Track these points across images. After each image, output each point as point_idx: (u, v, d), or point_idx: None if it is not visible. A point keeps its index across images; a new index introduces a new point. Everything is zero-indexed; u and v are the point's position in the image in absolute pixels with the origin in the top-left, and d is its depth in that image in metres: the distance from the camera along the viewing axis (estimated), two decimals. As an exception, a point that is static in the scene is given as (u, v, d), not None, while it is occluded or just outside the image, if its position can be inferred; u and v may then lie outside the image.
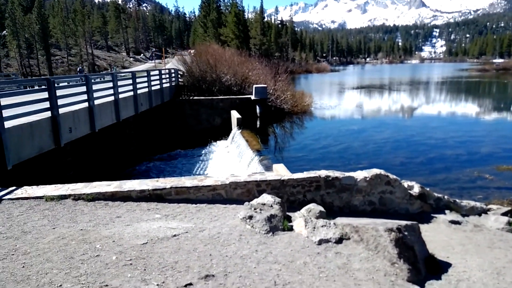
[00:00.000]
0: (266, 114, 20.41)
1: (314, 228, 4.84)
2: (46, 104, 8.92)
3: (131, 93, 14.61)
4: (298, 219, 5.09)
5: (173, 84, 21.69)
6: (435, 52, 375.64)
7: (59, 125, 9.10)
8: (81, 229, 4.62)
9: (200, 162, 15.77)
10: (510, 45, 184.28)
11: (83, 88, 10.86)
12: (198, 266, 3.90)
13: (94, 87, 11.27)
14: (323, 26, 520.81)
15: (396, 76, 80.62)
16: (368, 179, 6.44)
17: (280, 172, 9.45)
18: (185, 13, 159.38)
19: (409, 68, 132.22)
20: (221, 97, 21.05)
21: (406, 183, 6.79)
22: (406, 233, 4.47)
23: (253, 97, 20.39)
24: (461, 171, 11.51)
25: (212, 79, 22.33)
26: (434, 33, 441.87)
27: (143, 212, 5.41)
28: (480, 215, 7.14)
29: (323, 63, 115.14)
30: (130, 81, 14.67)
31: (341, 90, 45.89)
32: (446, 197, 7.03)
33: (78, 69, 45.06)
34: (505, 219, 6.55)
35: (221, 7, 70.20)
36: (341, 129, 19.37)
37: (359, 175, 6.50)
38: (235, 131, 17.54)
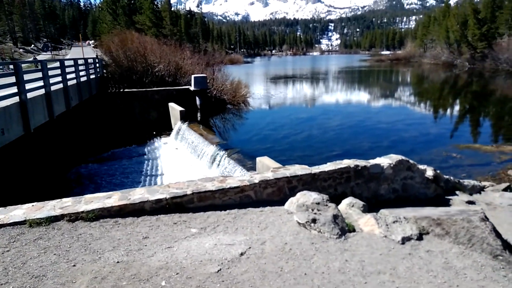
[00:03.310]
0: (206, 105, 19.24)
1: (387, 225, 4.30)
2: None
3: (61, 85, 12.36)
4: (364, 217, 4.49)
5: (98, 75, 19.14)
6: (331, 45, 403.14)
7: (-9, 126, 7.08)
8: (117, 262, 3.39)
9: (146, 162, 14.09)
10: (394, 39, 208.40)
11: (12, 79, 8.70)
12: (307, 291, 3.07)
13: (25, 77, 9.10)
14: (228, 18, 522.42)
15: (309, 66, 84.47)
16: (392, 165, 6.12)
17: (267, 165, 8.70)
18: (79, 1, 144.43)
19: (314, 59, 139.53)
20: (156, 88, 19.19)
21: (420, 167, 6.65)
22: (489, 220, 4.19)
23: (192, 87, 19.01)
24: (429, 151, 12.04)
25: (142, 69, 20.25)
26: (330, 27, 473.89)
27: (171, 227, 4.28)
28: (479, 192, 7.38)
29: (236, 54, 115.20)
30: (59, 71, 12.36)
31: (266, 80, 46.13)
32: (452, 178, 7.09)
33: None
34: (511, 194, 6.84)
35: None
36: (291, 117, 19.07)
37: (384, 162, 6.15)
38: (180, 125, 16.14)
